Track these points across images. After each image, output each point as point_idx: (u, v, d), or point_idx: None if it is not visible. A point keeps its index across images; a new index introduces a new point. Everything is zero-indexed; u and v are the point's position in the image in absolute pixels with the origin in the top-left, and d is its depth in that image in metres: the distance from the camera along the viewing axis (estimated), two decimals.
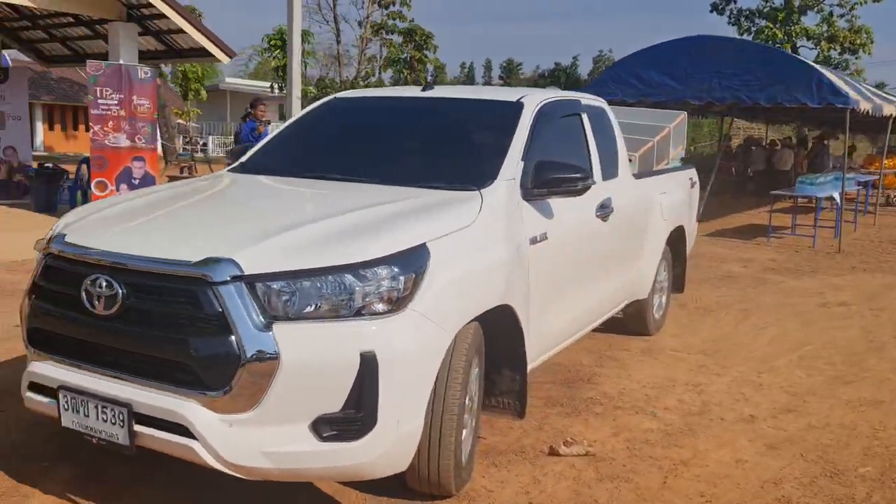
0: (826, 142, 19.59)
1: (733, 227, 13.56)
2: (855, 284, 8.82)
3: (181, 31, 10.58)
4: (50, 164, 12.78)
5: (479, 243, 3.20)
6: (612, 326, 6.09)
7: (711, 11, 32.26)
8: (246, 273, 2.60)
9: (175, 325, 2.64)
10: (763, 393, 4.85)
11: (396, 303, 2.73)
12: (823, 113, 13.92)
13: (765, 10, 31.09)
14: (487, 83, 24.27)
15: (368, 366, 2.61)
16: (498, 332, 3.49)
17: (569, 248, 4.08)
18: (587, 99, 4.93)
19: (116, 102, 10.35)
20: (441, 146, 4.08)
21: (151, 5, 10.10)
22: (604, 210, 4.54)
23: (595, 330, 6.05)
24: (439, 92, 4.49)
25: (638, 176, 5.46)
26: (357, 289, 2.67)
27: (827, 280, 9.04)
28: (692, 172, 6.69)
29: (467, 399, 3.24)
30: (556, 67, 64.46)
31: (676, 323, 6.61)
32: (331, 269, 2.66)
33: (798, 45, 30.12)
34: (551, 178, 3.68)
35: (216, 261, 2.61)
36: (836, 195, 11.79)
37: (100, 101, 10.25)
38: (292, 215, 3.11)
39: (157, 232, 3.04)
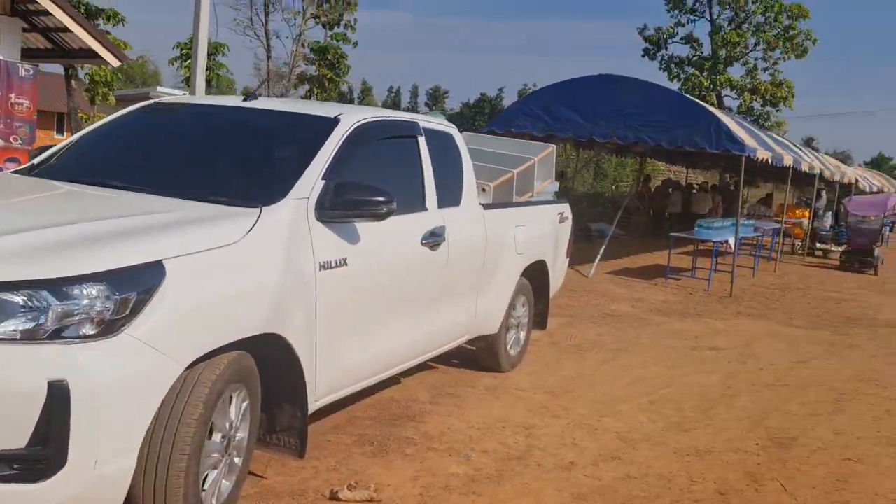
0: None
1: (637, 267, 13.63)
2: (735, 330, 8.83)
3: (68, 29, 10.10)
4: None
5: (241, 264, 2.92)
6: (465, 360, 5.88)
7: (643, 56, 33.05)
8: None
9: None
10: (595, 438, 4.66)
11: (107, 326, 2.41)
12: (729, 159, 14.19)
13: (694, 58, 31.99)
14: (412, 108, 24.29)
15: (57, 396, 2.27)
16: (274, 364, 3.21)
17: (379, 276, 3.82)
18: (430, 122, 4.73)
19: None
20: (239, 159, 3.80)
21: (34, 1, 9.62)
22: (434, 238, 4.32)
23: (448, 363, 5.85)
24: (260, 103, 4.22)
25: (489, 206, 5.26)
26: (55, 307, 2.34)
27: (709, 324, 9.04)
28: (563, 207, 6.56)
29: (219, 437, 2.93)
30: (482, 98, 65.28)
31: (539, 360, 6.43)
32: (27, 284, 2.33)
33: (723, 95, 31.05)
34: (349, 199, 3.43)
35: None
36: (732, 240, 11.92)
37: None
38: (23, 221, 2.77)
39: None
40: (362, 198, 3.45)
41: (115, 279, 2.45)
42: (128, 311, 2.46)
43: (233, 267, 2.87)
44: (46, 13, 9.87)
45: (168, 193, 3.32)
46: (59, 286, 2.35)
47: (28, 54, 11.26)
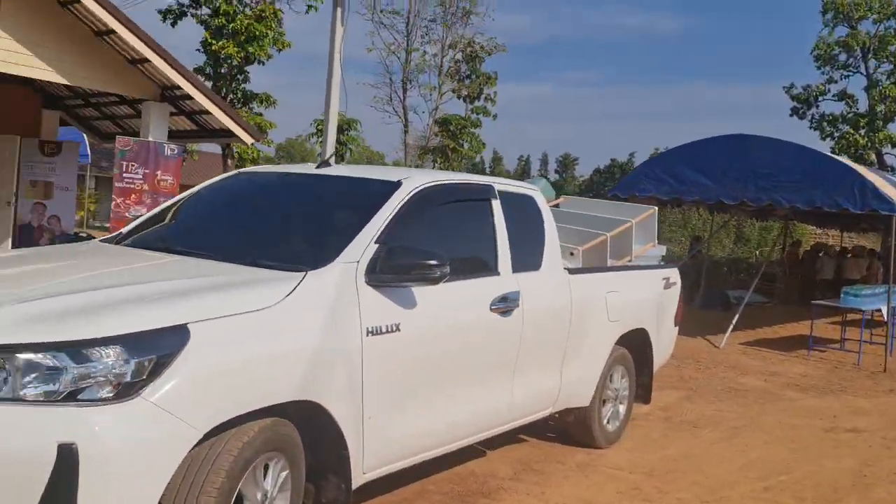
0: None
1: (778, 338, 12.64)
2: (883, 409, 7.88)
3: (208, 112, 10.91)
4: (84, 233, 13.28)
5: (275, 328, 2.88)
6: (560, 434, 5.57)
7: (791, 115, 31.40)
8: None
9: None
10: None
11: (123, 389, 2.43)
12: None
13: (848, 115, 30.02)
14: (543, 177, 24.26)
15: (66, 461, 2.29)
16: (318, 433, 3.13)
17: (438, 342, 3.69)
18: (507, 186, 4.61)
19: (141, 176, 10.68)
20: (298, 224, 3.84)
21: (180, 87, 10.49)
22: (505, 303, 4.14)
23: (541, 436, 5.55)
24: (331, 169, 4.28)
25: (576, 271, 5.02)
26: (71, 369, 2.39)
27: (852, 402, 8.12)
28: (670, 272, 6.17)
29: None
30: (612, 163, 64.17)
31: (645, 436, 5.98)
32: (45, 345, 2.40)
33: (883, 152, 28.81)
34: (400, 263, 3.35)
35: None
36: (884, 309, 10.79)
37: (125, 174, 10.59)
38: (69, 285, 2.89)
39: None
40: (413, 261, 3.36)
41: (133, 342, 2.47)
42: (145, 375, 2.47)
43: (265, 331, 2.84)
44: (189, 98, 10.71)
45: (224, 258, 3.38)
46: (76, 348, 2.40)
47: (175, 135, 12.27)
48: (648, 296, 5.76)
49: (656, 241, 6.27)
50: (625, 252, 5.86)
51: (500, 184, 4.53)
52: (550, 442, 5.53)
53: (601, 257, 5.58)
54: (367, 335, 3.26)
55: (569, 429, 5.40)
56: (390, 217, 3.59)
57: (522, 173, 25.05)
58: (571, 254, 5.40)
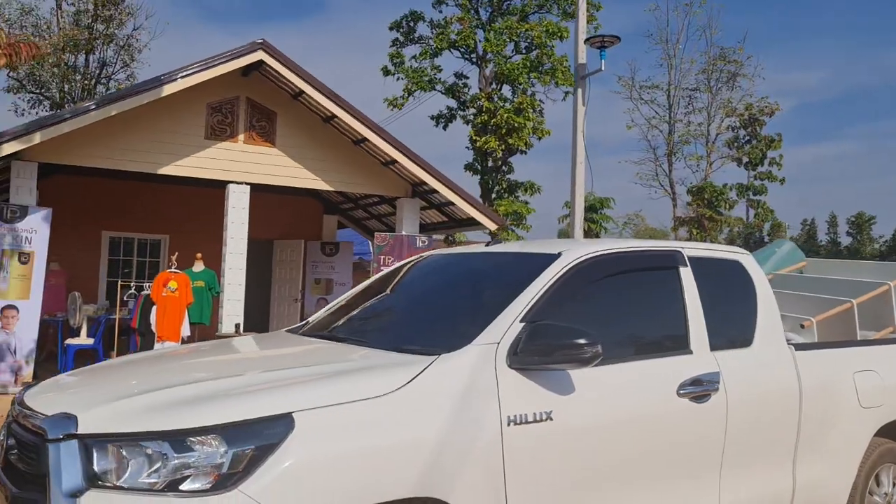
0: None
1: None
2: None
3: (453, 203, 11.39)
4: None
5: (390, 418, 2.70)
6: None
7: None
8: (80, 432, 2.52)
9: (27, 481, 2.64)
10: None
11: (221, 481, 2.40)
12: None
13: None
14: (832, 241, 21.26)
15: None
16: None
17: (604, 434, 3.22)
18: (702, 251, 4.02)
19: None
20: (450, 304, 3.65)
21: (426, 183, 11.13)
22: (700, 387, 3.55)
23: None
24: (499, 247, 4.08)
25: (806, 346, 4.19)
26: (174, 460, 2.42)
27: None
28: None
29: None
30: None
31: None
32: (149, 434, 2.46)
33: None
34: (542, 343, 3.02)
35: (59, 416, 2.59)
36: None
37: (382, 267, 11.37)
38: (193, 375, 2.98)
39: (83, 388, 3.14)
40: (558, 341, 3.00)
41: (232, 432, 2.45)
42: (242, 466, 2.42)
43: (376, 422, 2.67)
44: (435, 191, 11.30)
45: (375, 344, 3.32)
46: (177, 438, 2.43)
47: (427, 228, 12.98)
48: None
49: None
50: (885, 321, 4.79)
51: (692, 248, 3.97)
52: None
53: (847, 329, 4.61)
54: (509, 424, 2.95)
55: None
56: (541, 293, 3.28)
57: (808, 238, 22.43)
58: (802, 326, 4.53)
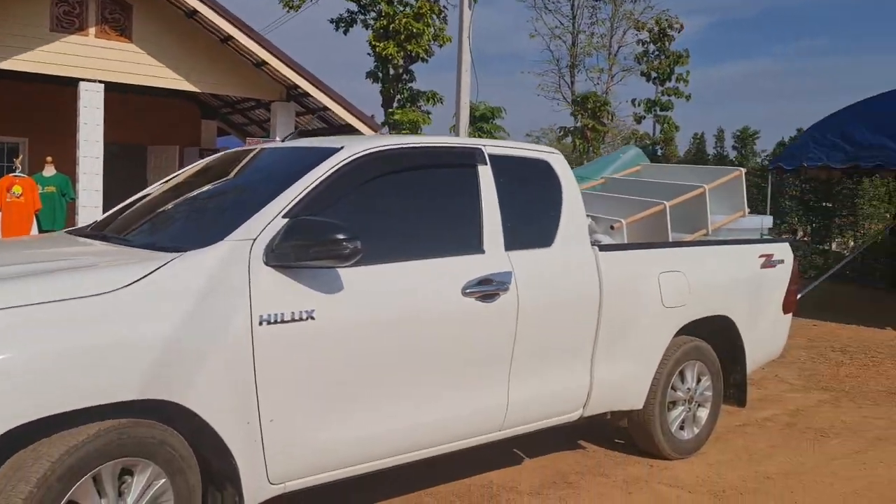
0: None
1: None
2: None
3: (328, 108, 10.99)
4: None
5: (117, 317, 2.50)
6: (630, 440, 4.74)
7: None
8: None
9: None
10: None
11: None
12: None
13: None
14: (719, 154, 21.93)
15: None
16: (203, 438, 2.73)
17: (379, 333, 3.12)
18: (507, 148, 3.90)
19: None
20: (220, 201, 3.44)
21: (299, 86, 10.65)
22: (486, 287, 3.48)
23: (604, 442, 4.76)
24: (293, 142, 3.86)
25: (611, 247, 4.19)
26: None
27: None
28: (775, 248, 5.05)
29: None
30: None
31: (746, 447, 4.95)
32: None
33: None
34: (298, 239, 2.85)
35: None
36: None
37: None
38: None
39: None
40: (315, 237, 2.84)
41: None
42: None
43: (96, 320, 2.47)
44: (309, 95, 10.85)
45: (133, 243, 3.10)
46: None
47: (307, 134, 12.54)
48: (733, 276, 4.73)
49: (746, 210, 5.15)
50: (698, 224, 4.86)
51: (496, 147, 3.84)
52: (613, 450, 4.72)
53: (660, 231, 4.65)
54: (261, 324, 2.80)
55: (631, 435, 4.57)
56: (311, 188, 3.10)
57: (697, 152, 23.04)
58: (612, 227, 4.53)
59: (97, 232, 3.54)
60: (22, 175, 9.27)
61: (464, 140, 3.78)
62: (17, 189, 9.04)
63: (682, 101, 31.63)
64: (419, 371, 3.26)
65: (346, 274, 3.05)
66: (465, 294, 3.41)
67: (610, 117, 18.10)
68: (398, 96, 23.76)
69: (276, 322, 2.84)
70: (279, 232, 2.89)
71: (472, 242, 3.56)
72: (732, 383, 4.95)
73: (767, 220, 5.42)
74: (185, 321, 2.63)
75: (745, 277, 4.82)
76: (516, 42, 66.56)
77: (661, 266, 4.31)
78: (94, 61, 9.81)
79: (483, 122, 17.45)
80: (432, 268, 3.36)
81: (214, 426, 2.68)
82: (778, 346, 5.27)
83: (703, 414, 4.74)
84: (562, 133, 19.05)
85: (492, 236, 3.61)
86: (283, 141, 3.92)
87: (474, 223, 3.59)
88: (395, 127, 19.14)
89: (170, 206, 3.57)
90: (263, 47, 10.26)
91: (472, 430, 3.53)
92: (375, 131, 11.68)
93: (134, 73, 10.14)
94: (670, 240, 4.63)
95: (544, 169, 4.01)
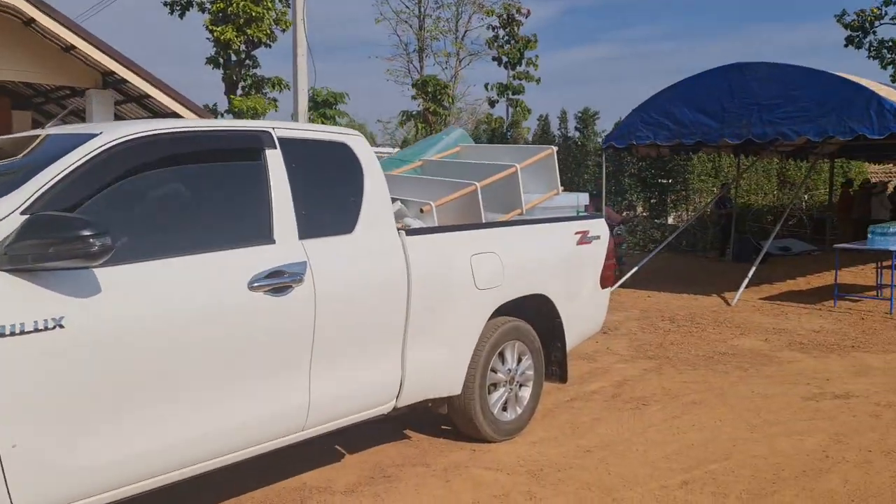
0: None
1: (809, 289, 11.28)
2: (891, 367, 6.62)
3: (150, 95, 10.28)
4: None
5: None
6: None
7: (847, 45, 28.98)
8: None
9: None
10: None
11: None
12: None
13: None
14: (563, 135, 22.59)
15: None
16: None
17: (143, 338, 2.82)
18: (301, 131, 3.67)
19: None
20: None
21: (115, 72, 9.89)
22: (276, 280, 3.24)
23: (430, 430, 4.66)
24: (55, 129, 3.45)
25: (418, 231, 4.06)
26: None
27: (858, 359, 6.87)
28: (586, 225, 5.11)
29: None
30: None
31: (570, 421, 5.01)
32: None
33: None
34: (36, 238, 2.51)
35: None
36: None
37: None
38: None
39: None
40: (56, 234, 2.51)
41: None
42: None
43: None
44: (126, 82, 10.10)
45: None
46: None
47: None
48: (548, 255, 4.74)
49: (560, 188, 5.21)
50: (513, 204, 4.84)
51: (289, 129, 3.60)
52: (438, 437, 4.63)
53: (473, 212, 4.59)
54: None
55: (452, 421, 4.49)
56: (58, 179, 2.75)
57: (542, 133, 23.55)
58: (422, 210, 4.43)
59: None
60: None
61: (249, 123, 3.50)
62: None
63: (533, 84, 32.51)
64: (197, 376, 2.98)
65: (105, 274, 2.74)
66: (251, 288, 3.16)
67: (451, 101, 18.12)
68: (241, 83, 22.84)
69: (13, 334, 2.48)
70: (14, 231, 2.53)
71: (260, 233, 3.32)
72: (554, 360, 4.98)
73: (583, 197, 5.49)
74: None
75: (561, 255, 4.84)
76: (367, 28, 65.92)
77: (473, 248, 4.23)
78: None
79: (326, 107, 17.01)
80: (212, 262, 3.09)
81: None
82: (598, 321, 5.37)
83: (526, 393, 4.73)
84: (404, 117, 18.92)
85: (283, 225, 3.38)
86: (45, 127, 3.49)
87: (263, 212, 3.35)
88: (236, 115, 18.34)
89: None
90: (70, 30, 9.41)
91: (269, 434, 3.30)
92: (202, 118, 11.05)
93: None
94: (483, 221, 4.57)
95: (344, 152, 3.82)
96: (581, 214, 5.33)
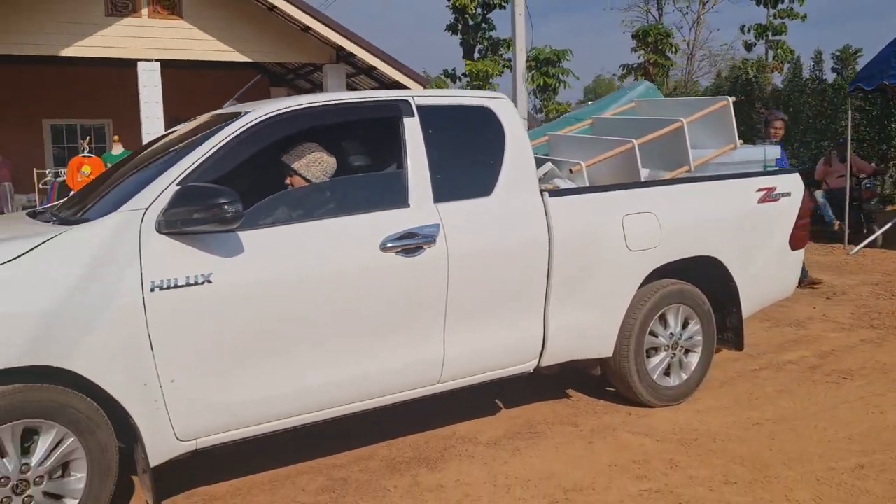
0: None
1: None
2: None
3: (376, 67, 11.02)
4: None
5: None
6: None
7: None
8: None
9: None
10: None
11: None
12: None
13: None
14: (817, 77, 19.77)
15: None
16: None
17: (285, 294, 3.18)
18: (441, 97, 3.80)
19: None
20: (144, 173, 3.50)
21: (344, 48, 10.73)
22: (408, 241, 3.45)
23: (594, 391, 4.65)
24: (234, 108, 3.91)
25: (564, 192, 4.03)
26: None
27: None
28: (773, 181, 4.70)
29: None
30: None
31: (751, 391, 4.72)
32: None
33: None
34: (183, 206, 2.94)
35: None
36: None
37: None
38: None
39: None
40: (198, 202, 2.92)
41: None
42: None
43: None
44: (354, 55, 10.91)
45: (56, 221, 3.27)
46: None
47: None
48: (718, 214, 4.44)
49: (738, 142, 4.76)
50: (680, 160, 4.55)
51: (428, 97, 3.75)
52: (599, 398, 4.61)
53: (629, 171, 4.39)
54: (153, 290, 2.92)
55: (614, 381, 4.44)
56: (208, 155, 3.16)
57: (794, 76, 20.96)
58: (571, 171, 4.32)
59: (50, 211, 3.75)
60: (90, 155, 9.90)
61: (389, 93, 3.71)
62: (86, 168, 9.69)
63: (798, 22, 29.36)
64: (331, 328, 3.30)
65: (249, 237, 3.12)
66: (383, 249, 3.41)
67: (674, 50, 16.93)
68: (478, 46, 23.41)
69: (169, 287, 2.95)
70: (168, 200, 2.99)
71: (396, 197, 3.54)
72: (728, 326, 4.70)
73: (773, 150, 5.01)
74: (72, 291, 2.78)
75: (736, 214, 4.52)
76: None
77: (625, 208, 4.12)
78: (149, 41, 10.25)
79: (549, 65, 16.88)
80: (348, 225, 3.38)
81: (107, 388, 2.84)
82: (786, 286, 4.94)
83: (693, 359, 4.53)
84: (624, 71, 18.13)
85: (418, 189, 3.57)
86: (223, 108, 4.00)
87: (398, 178, 3.56)
88: (470, 79, 18.87)
89: (113, 178, 3.72)
90: (306, 12, 10.37)
91: (404, 384, 3.56)
92: (424, 87, 11.61)
93: (187, 48, 10.53)
94: (642, 179, 4.38)
95: (485, 116, 3.90)
96: (770, 169, 4.89)
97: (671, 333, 4.42)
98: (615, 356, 4.22)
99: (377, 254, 3.39)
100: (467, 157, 3.79)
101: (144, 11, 10.27)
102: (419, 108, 3.68)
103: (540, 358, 3.98)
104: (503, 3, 21.92)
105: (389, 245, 3.42)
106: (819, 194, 11.01)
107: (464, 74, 21.43)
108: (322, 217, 3.35)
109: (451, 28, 23.59)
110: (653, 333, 4.34)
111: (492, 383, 3.97)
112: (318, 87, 14.15)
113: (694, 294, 4.45)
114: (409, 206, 3.54)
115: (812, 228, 11.62)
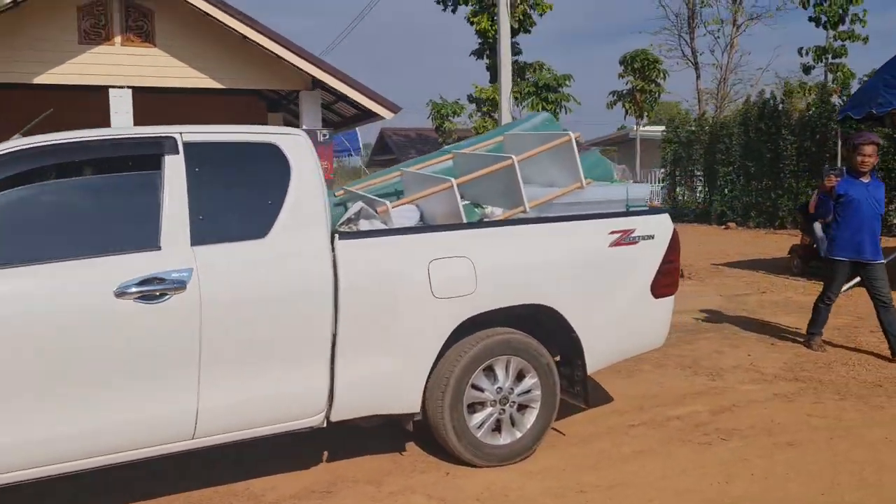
0: None
1: None
2: None
3: (347, 95, 10.93)
4: None
5: None
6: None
7: None
8: None
9: None
10: None
11: None
12: None
13: None
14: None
15: None
16: None
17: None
18: (214, 134, 3.59)
19: None
20: None
21: (314, 76, 10.69)
22: (150, 287, 3.24)
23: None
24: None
25: (362, 234, 3.75)
26: None
27: None
28: (626, 223, 4.30)
29: None
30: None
31: (602, 451, 4.32)
32: None
33: None
34: None
35: None
36: None
37: None
38: None
39: None
40: None
41: None
42: None
43: None
44: (326, 83, 10.85)
45: None
46: None
47: (350, 121, 12.60)
48: (552, 259, 4.08)
49: (584, 181, 4.36)
50: (514, 201, 4.19)
51: (200, 133, 3.55)
52: (436, 454, 4.25)
53: (451, 211, 4.05)
54: None
55: (435, 436, 4.10)
56: None
57: (821, 103, 19.73)
58: (377, 212, 4.01)
59: None
60: None
61: (154, 129, 3.52)
62: None
63: (859, 44, 28.03)
64: (57, 379, 3.11)
65: None
66: (118, 295, 3.20)
67: (662, 76, 16.25)
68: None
69: None
70: None
71: (146, 239, 3.34)
72: (577, 380, 4.31)
73: (639, 189, 4.60)
74: None
75: (576, 259, 4.14)
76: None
77: (433, 252, 3.81)
78: (123, 68, 10.40)
79: (548, 91, 16.50)
80: (78, 269, 3.19)
81: None
82: (651, 337, 4.52)
83: (530, 416, 4.16)
84: (614, 98, 17.44)
85: (172, 231, 3.36)
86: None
87: (150, 219, 3.36)
88: (478, 103, 18.62)
89: None
90: (277, 42, 10.37)
91: (146, 440, 3.32)
92: (393, 112, 11.44)
93: (160, 76, 10.63)
94: (463, 221, 4.06)
95: (270, 154, 3.67)
96: (633, 209, 4.50)
97: (499, 388, 4.06)
98: (426, 412, 3.90)
99: (110, 300, 3.19)
100: (242, 198, 3.57)
101: (117, 39, 10.43)
102: (187, 144, 3.49)
103: (330, 411, 3.69)
104: (527, 28, 21.69)
105: (127, 291, 3.21)
106: (818, 227, 10.33)
107: (469, 99, 21.09)
108: (52, 260, 3.17)
109: (477, 53, 23.49)
110: (476, 387, 4.00)
111: (283, 436, 3.71)
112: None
113: (528, 345, 4.09)
114: (159, 249, 3.33)
115: (810, 265, 11.02)
